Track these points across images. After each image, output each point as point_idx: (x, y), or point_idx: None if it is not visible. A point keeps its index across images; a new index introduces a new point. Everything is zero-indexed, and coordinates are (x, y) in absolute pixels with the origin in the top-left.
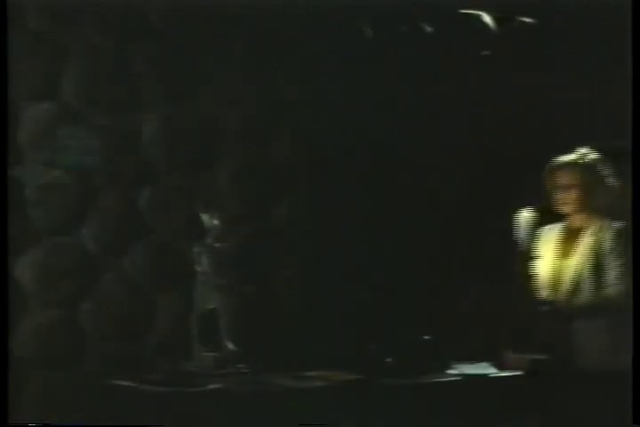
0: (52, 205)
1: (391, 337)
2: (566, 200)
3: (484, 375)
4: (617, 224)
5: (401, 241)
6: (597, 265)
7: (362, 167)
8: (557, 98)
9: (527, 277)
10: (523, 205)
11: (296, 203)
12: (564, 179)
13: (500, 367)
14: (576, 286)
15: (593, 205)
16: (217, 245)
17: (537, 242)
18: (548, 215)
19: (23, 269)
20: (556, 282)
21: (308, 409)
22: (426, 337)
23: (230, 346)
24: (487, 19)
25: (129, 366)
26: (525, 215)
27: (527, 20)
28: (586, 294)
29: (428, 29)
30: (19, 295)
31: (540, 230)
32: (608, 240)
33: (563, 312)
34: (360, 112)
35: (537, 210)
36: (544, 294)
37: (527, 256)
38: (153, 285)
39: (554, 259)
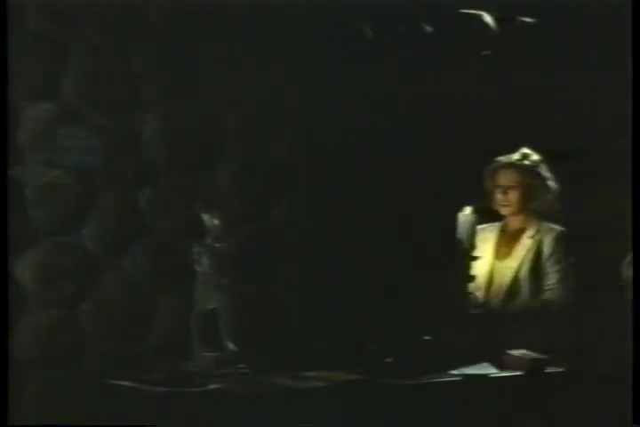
0: (52, 205)
1: (391, 337)
2: (506, 201)
3: (484, 375)
4: (557, 228)
5: (401, 241)
6: (536, 269)
7: (362, 167)
8: (557, 98)
9: (466, 278)
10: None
11: (296, 203)
12: (504, 180)
13: (500, 367)
14: (513, 288)
15: (532, 207)
16: (217, 245)
17: (476, 242)
18: (489, 215)
19: (23, 269)
20: (493, 284)
21: (308, 409)
22: (426, 337)
23: (230, 346)
24: (487, 19)
25: (129, 366)
26: (466, 214)
27: (527, 20)
28: (523, 297)
29: (428, 29)
30: (19, 295)
31: (478, 230)
32: (547, 244)
33: (498, 315)
34: (360, 112)
35: (478, 209)
36: (480, 295)
37: (467, 256)
38: (153, 285)
39: (491, 260)
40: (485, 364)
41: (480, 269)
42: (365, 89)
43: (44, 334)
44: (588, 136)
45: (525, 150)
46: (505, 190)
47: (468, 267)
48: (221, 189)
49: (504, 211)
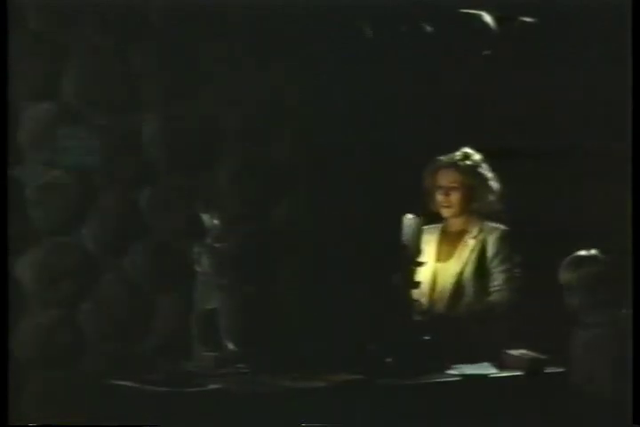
0: (52, 205)
1: (391, 337)
2: (447, 202)
3: (484, 375)
4: (501, 227)
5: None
6: (480, 270)
7: (362, 167)
8: (557, 98)
9: (410, 284)
10: None
11: (296, 203)
12: (445, 180)
13: (500, 367)
14: (457, 291)
15: (474, 208)
16: (217, 245)
17: (421, 246)
18: (432, 217)
19: (23, 269)
20: (436, 288)
21: (308, 409)
22: (426, 337)
23: (230, 346)
24: (487, 19)
25: (129, 366)
26: (410, 218)
27: (527, 19)
28: (468, 300)
29: (428, 29)
30: (19, 295)
31: (421, 233)
32: (491, 243)
33: (442, 319)
34: (360, 112)
35: (422, 213)
36: (423, 300)
37: (411, 262)
38: (153, 285)
39: (433, 263)
40: (485, 364)
41: (423, 273)
42: (365, 89)
43: (43, 334)
44: (587, 136)
45: (467, 150)
46: (446, 191)
47: (412, 273)
48: (221, 189)
49: (445, 212)
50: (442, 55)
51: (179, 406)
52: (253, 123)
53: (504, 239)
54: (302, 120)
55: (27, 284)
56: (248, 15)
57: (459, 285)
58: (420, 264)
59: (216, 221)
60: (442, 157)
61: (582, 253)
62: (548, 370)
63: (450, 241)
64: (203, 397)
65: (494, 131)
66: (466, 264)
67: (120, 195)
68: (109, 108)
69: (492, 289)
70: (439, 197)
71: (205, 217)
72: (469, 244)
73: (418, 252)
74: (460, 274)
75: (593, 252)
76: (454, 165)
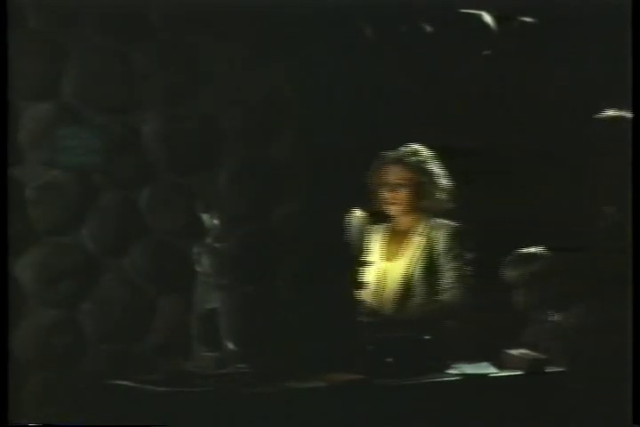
0: (52, 205)
1: (391, 337)
2: (394, 199)
3: (484, 375)
4: (450, 223)
5: None
6: (430, 268)
7: (362, 167)
8: (557, 98)
9: (357, 285)
10: None
11: (296, 203)
12: (392, 176)
13: (500, 367)
14: (406, 291)
15: (423, 205)
16: (217, 245)
17: (367, 245)
18: (379, 216)
19: (23, 269)
20: (385, 287)
21: (308, 409)
22: (426, 337)
23: (230, 346)
24: (487, 19)
25: (129, 366)
26: (357, 217)
27: (527, 19)
28: (418, 299)
29: (428, 29)
30: (19, 295)
31: (368, 231)
32: (441, 240)
33: (391, 320)
34: (360, 112)
35: (368, 210)
36: (372, 300)
37: (358, 262)
38: (153, 285)
39: (381, 263)
40: (485, 364)
41: (371, 273)
42: (365, 89)
43: (43, 334)
44: (587, 136)
45: (415, 146)
46: (393, 188)
47: (358, 273)
48: (221, 189)
49: (392, 210)
50: (442, 55)
51: (179, 406)
52: (253, 123)
53: (454, 236)
54: (302, 120)
55: (27, 284)
56: (248, 15)
57: (408, 284)
58: (367, 264)
59: (216, 221)
60: (389, 153)
61: (526, 250)
62: (548, 370)
63: (397, 240)
64: (203, 397)
65: (494, 131)
66: (415, 263)
67: (120, 195)
68: (109, 108)
69: (442, 288)
70: (386, 193)
71: (205, 217)
72: (418, 242)
73: (364, 251)
74: (410, 273)
75: (536, 249)
76: (402, 162)
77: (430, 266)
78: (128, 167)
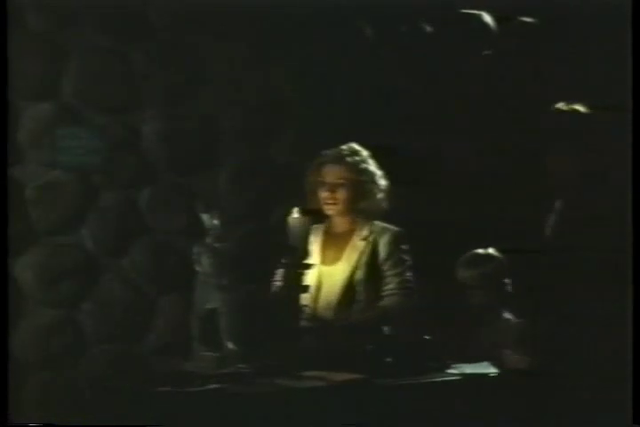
0: (52, 205)
1: (391, 337)
2: (332, 199)
3: (484, 375)
4: (392, 228)
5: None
6: (371, 273)
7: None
8: (557, 98)
9: (298, 288)
10: None
11: (296, 203)
12: (330, 176)
13: (500, 367)
14: (346, 296)
15: (361, 206)
16: (217, 245)
17: (306, 246)
18: (316, 215)
19: (23, 270)
20: (321, 292)
21: (308, 409)
22: (426, 337)
23: (230, 346)
24: (487, 19)
25: (129, 366)
26: (295, 218)
27: (527, 19)
28: (359, 305)
29: (428, 29)
30: (19, 295)
31: (308, 233)
32: (383, 245)
33: (330, 326)
34: (360, 112)
35: (307, 210)
36: (310, 305)
37: (299, 265)
38: (153, 285)
39: (319, 266)
40: (485, 363)
41: (309, 276)
42: (365, 89)
43: (43, 334)
44: (587, 136)
45: (354, 145)
46: (331, 188)
47: (299, 276)
48: (221, 189)
49: (330, 210)
50: (442, 55)
51: (179, 406)
52: (253, 123)
53: (396, 241)
54: (302, 120)
55: (27, 284)
56: (248, 15)
57: (349, 289)
58: (308, 267)
59: (216, 221)
60: (327, 152)
61: (478, 251)
62: (548, 370)
63: (335, 242)
64: (203, 397)
65: (493, 131)
66: (356, 267)
67: (120, 195)
68: (109, 108)
69: (384, 293)
70: (324, 193)
71: (205, 217)
72: (359, 246)
73: (305, 253)
74: (350, 278)
75: (489, 250)
76: (341, 161)
77: (372, 271)
78: (128, 167)
